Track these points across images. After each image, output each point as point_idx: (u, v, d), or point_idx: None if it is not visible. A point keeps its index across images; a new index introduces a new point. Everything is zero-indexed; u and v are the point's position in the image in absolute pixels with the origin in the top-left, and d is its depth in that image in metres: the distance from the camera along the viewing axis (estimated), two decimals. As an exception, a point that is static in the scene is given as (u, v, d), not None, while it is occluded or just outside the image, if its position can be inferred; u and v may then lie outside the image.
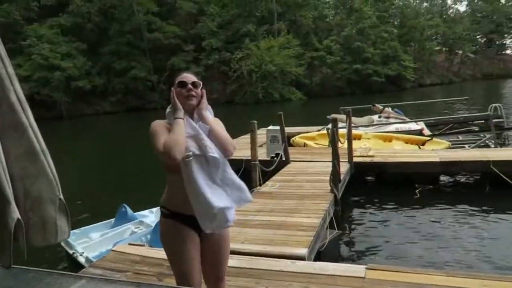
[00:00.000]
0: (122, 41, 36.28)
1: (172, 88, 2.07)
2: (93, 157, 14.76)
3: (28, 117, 1.46)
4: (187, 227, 2.02)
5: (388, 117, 11.24)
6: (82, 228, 5.16)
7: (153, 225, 4.77)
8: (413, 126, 10.54)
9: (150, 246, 4.17)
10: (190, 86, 2.04)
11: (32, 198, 1.50)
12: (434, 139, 9.45)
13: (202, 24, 39.55)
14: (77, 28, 35.43)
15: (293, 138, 10.02)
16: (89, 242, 4.77)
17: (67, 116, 32.77)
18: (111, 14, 36.58)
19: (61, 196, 1.54)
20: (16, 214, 1.33)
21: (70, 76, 31.79)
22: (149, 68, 37.36)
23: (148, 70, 37.15)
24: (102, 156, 14.83)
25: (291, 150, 8.05)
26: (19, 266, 2.13)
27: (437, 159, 7.20)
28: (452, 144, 9.20)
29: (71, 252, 4.47)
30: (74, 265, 4.35)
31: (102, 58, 36.30)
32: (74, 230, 5.01)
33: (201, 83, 2.10)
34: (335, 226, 4.96)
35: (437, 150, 8.21)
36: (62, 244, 4.55)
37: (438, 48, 55.34)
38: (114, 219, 5.45)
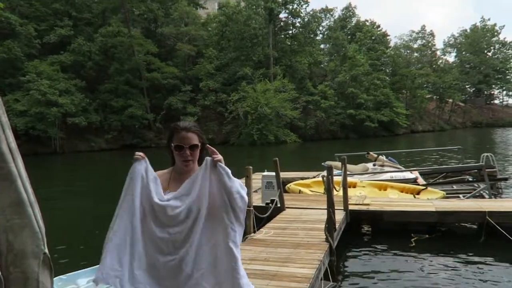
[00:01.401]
0: (121, 80, 36.88)
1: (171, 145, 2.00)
2: (84, 194, 14.49)
3: (18, 167, 1.41)
4: None
5: (382, 165, 11.26)
6: (69, 273, 4.92)
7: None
8: (408, 175, 10.54)
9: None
10: (187, 152, 1.96)
11: (15, 252, 1.41)
12: (429, 188, 9.43)
13: (200, 66, 40.53)
14: (77, 65, 36.08)
15: (288, 185, 9.95)
16: (76, 290, 4.53)
17: (61, 152, 32.58)
18: (111, 54, 37.42)
19: (46, 250, 1.46)
20: (-5, 271, 1.24)
21: (67, 112, 31.93)
22: (146, 106, 37.74)
23: (145, 109, 37.51)
24: (94, 194, 14.56)
25: (286, 196, 7.95)
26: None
27: (433, 209, 7.14)
28: (446, 194, 9.17)
29: None
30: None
31: (100, 95, 36.73)
32: (61, 276, 4.78)
33: (199, 144, 1.99)
34: (330, 278, 4.80)
35: (432, 200, 8.18)
36: None
37: (429, 96, 57.03)
38: None
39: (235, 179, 1.93)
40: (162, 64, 39.18)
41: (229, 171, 1.92)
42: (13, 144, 1.42)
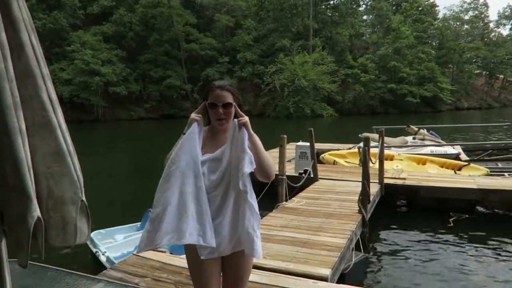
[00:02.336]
0: (160, 50, 37.41)
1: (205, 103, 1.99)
2: (125, 159, 15.10)
3: (57, 117, 1.46)
4: None
5: (423, 139, 10.85)
6: (108, 229, 5.25)
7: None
8: (450, 150, 10.13)
9: (171, 253, 4.15)
10: (221, 110, 1.94)
11: (55, 198, 1.49)
12: (472, 164, 9.02)
13: (238, 37, 40.18)
14: (119, 36, 36.88)
15: (322, 155, 9.86)
16: (113, 243, 4.84)
17: (103, 120, 33.95)
18: (151, 24, 37.85)
19: (83, 198, 1.53)
20: (36, 212, 1.31)
21: (109, 81, 33.00)
22: (184, 77, 38.24)
23: (183, 79, 38.04)
24: (135, 159, 15.14)
25: (320, 167, 7.90)
26: (38, 263, 2.14)
27: (475, 186, 6.84)
28: (490, 171, 8.74)
29: (94, 250, 4.55)
30: (96, 264, 4.41)
31: (140, 65, 37.54)
32: (100, 230, 5.11)
33: (233, 103, 1.96)
34: (361, 249, 4.77)
35: (475, 177, 7.82)
36: (87, 242, 4.64)
37: (478, 71, 53.65)
38: (140, 223, 5.51)
39: (248, 152, 1.89)
40: (201, 35, 39.26)
41: (248, 136, 1.91)
42: (54, 96, 1.47)
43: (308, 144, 7.31)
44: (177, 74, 37.70)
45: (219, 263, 2.03)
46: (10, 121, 1.26)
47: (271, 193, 5.77)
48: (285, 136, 5.70)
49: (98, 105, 33.76)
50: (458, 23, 57.26)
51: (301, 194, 6.46)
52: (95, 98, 33.04)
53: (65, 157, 1.46)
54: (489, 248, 5.53)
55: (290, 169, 7.76)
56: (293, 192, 6.40)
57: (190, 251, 1.99)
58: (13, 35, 1.34)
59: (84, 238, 1.55)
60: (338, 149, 10.97)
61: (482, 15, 58.29)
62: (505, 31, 66.13)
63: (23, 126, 1.32)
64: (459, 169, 8.93)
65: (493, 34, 59.08)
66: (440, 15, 55.22)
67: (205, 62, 39.54)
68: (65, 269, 2.01)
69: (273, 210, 5.55)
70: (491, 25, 60.50)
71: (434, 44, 50.53)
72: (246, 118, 1.93)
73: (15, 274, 1.65)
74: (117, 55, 35.47)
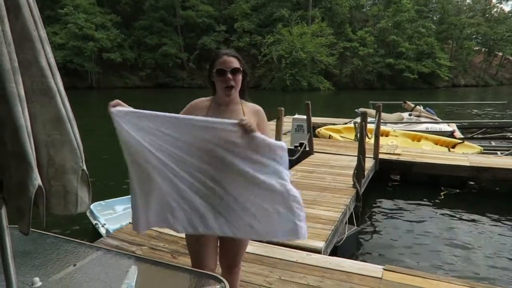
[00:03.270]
0: (156, 17, 36.50)
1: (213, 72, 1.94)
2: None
3: (57, 83, 1.42)
4: None
5: (419, 116, 10.87)
6: (108, 200, 5.27)
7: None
8: (445, 127, 10.17)
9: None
10: (229, 75, 1.89)
11: (56, 166, 1.47)
12: (466, 142, 9.09)
13: (236, 5, 39.22)
14: (113, 0, 35.80)
15: (318, 129, 9.87)
16: (112, 215, 4.88)
17: (97, 87, 33.47)
18: (147, -12, 36.79)
19: (84, 167, 1.51)
20: (37, 180, 1.30)
21: (103, 47, 32.28)
22: (180, 45, 37.53)
23: (178, 48, 37.33)
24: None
25: (315, 141, 7.92)
26: (37, 231, 2.14)
27: (467, 163, 6.93)
28: (484, 150, 8.83)
29: (94, 222, 4.59)
30: (95, 235, 4.46)
31: (134, 32, 36.69)
32: (101, 202, 5.14)
33: (241, 68, 1.92)
34: (354, 222, 4.86)
35: (468, 154, 7.91)
36: (87, 213, 4.68)
37: (477, 48, 53.16)
38: None
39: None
40: (197, 1, 38.26)
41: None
42: (52, 60, 1.42)
43: (304, 117, 7.30)
44: (173, 42, 36.96)
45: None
46: (8, 87, 1.22)
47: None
48: (283, 108, 5.67)
49: (92, 71, 33.17)
50: (460, -3, 56.23)
51: (296, 167, 6.50)
52: (89, 64, 32.42)
53: (65, 124, 1.43)
54: (478, 220, 5.70)
55: (286, 142, 7.76)
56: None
57: None
58: (9, -4, 1.28)
59: (85, 207, 1.54)
60: (334, 124, 10.98)
61: (486, -11, 57.22)
62: (507, 7, 65.21)
63: (22, 92, 1.28)
64: (453, 147, 9.01)
65: (495, 10, 58.20)
66: (443, -12, 54.04)
67: (202, 30, 38.71)
68: (64, 236, 2.01)
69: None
70: (494, 0, 59.55)
71: (435, 18, 49.74)
72: (246, 120, 1.76)
73: (15, 239, 1.66)
74: (111, 20, 34.56)
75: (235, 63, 1.91)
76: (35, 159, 1.30)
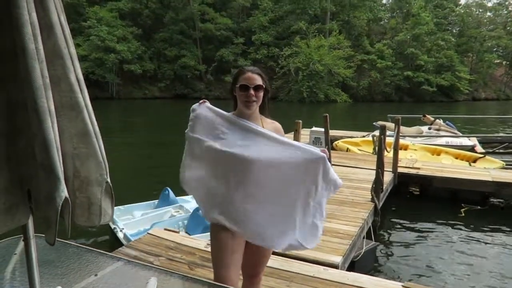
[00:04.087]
0: (175, 29, 37.20)
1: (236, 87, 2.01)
2: (141, 138, 15.26)
3: (84, 98, 1.47)
4: None
5: (438, 130, 10.70)
6: (127, 205, 5.37)
7: (192, 211, 4.83)
8: (465, 141, 9.98)
9: (186, 232, 4.23)
10: (251, 92, 1.96)
11: (81, 178, 1.51)
12: (487, 157, 8.89)
13: (254, 18, 39.67)
14: (135, 13, 36.71)
15: (336, 142, 9.81)
16: (131, 220, 4.96)
17: (118, 97, 34.18)
18: (167, 2, 37.58)
19: (108, 180, 1.55)
20: (64, 192, 1.34)
21: (124, 59, 33.02)
22: (198, 57, 38.08)
23: (197, 59, 37.88)
24: (151, 137, 15.26)
25: (333, 153, 7.88)
26: (60, 239, 2.19)
27: (489, 178, 6.76)
28: (506, 165, 8.61)
29: (112, 227, 4.67)
30: (113, 239, 4.53)
31: (155, 44, 37.44)
32: (120, 207, 5.25)
33: (263, 85, 2.01)
34: (372, 237, 4.78)
35: (490, 169, 7.72)
36: None
37: (498, 61, 52.19)
38: (157, 200, 5.63)
39: None
40: (216, 14, 38.84)
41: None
42: (80, 76, 1.48)
43: (322, 129, 7.28)
44: (192, 54, 37.54)
45: (243, 244, 2.02)
46: (39, 101, 1.27)
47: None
48: (300, 121, 5.67)
49: (113, 82, 33.93)
50: (480, 10, 55.48)
51: (314, 180, 6.46)
52: (110, 76, 33.18)
53: (91, 138, 1.48)
54: (501, 240, 5.52)
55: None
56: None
57: (217, 227, 1.99)
58: (42, 15, 1.34)
59: (108, 218, 1.58)
60: (351, 137, 10.90)
61: (506, 3, 56.31)
62: (529, 20, 63.82)
63: (52, 107, 1.33)
64: (474, 161, 8.82)
65: (516, 22, 57.18)
66: (462, 1, 53.56)
67: (220, 43, 39.23)
68: (86, 246, 2.05)
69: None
70: (516, 13, 58.51)
71: (454, 31, 49.21)
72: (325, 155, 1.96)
73: (39, 248, 1.70)
74: (132, 32, 35.38)
75: (259, 81, 1.98)
76: (62, 172, 1.34)
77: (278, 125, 2.13)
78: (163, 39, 37.50)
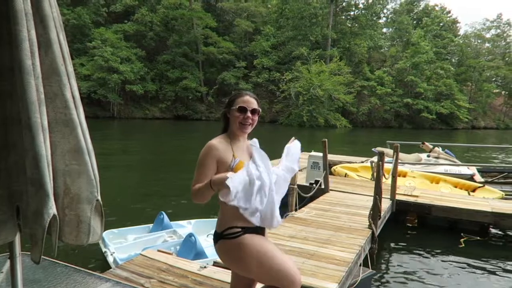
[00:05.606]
0: (178, 52, 37.81)
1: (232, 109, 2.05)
2: (140, 159, 15.21)
3: (79, 115, 1.47)
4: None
5: (437, 157, 10.69)
6: (121, 228, 5.28)
7: (184, 236, 4.75)
8: (464, 170, 9.94)
9: (177, 255, 4.15)
10: (249, 114, 2.03)
11: (71, 196, 1.49)
12: (487, 186, 8.84)
13: (256, 42, 40.38)
14: (139, 35, 37.41)
15: (334, 167, 9.79)
16: (123, 243, 4.85)
17: (118, 117, 34.37)
18: (171, 25, 38.33)
19: (99, 198, 1.53)
20: (53, 209, 1.32)
21: (126, 79, 33.42)
22: (200, 79, 38.55)
23: (199, 82, 38.33)
24: (149, 159, 15.23)
25: (331, 178, 7.84)
26: (48, 258, 2.15)
27: (489, 209, 6.70)
28: (506, 195, 8.55)
29: (103, 250, 4.57)
30: (104, 261, 4.43)
31: (157, 65, 37.98)
32: (113, 230, 5.15)
33: (260, 110, 2.09)
34: (369, 265, 4.69)
35: (489, 199, 7.66)
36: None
37: (497, 90, 52.85)
38: (152, 224, 5.53)
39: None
40: (219, 38, 39.57)
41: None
42: (76, 93, 1.48)
43: (320, 154, 7.27)
44: (194, 76, 38.01)
45: None
46: (33, 117, 1.27)
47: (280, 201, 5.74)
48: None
49: (114, 102, 34.20)
50: (479, 41, 56.61)
51: (311, 204, 6.41)
52: (112, 95, 33.48)
53: (84, 155, 1.46)
54: (501, 271, 5.40)
55: (301, 179, 7.71)
56: (303, 202, 6.36)
57: (255, 244, 2.04)
58: (42, 33, 1.35)
59: (96, 237, 1.55)
60: (350, 162, 10.88)
61: (505, 34, 57.54)
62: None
63: (45, 123, 1.33)
64: (473, 191, 8.77)
65: (514, 54, 58.15)
66: (461, 32, 54.81)
67: (222, 66, 39.81)
68: (74, 265, 2.01)
69: (282, 219, 5.50)
70: (513, 44, 59.58)
71: (453, 60, 50.06)
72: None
73: (26, 266, 1.66)
74: (136, 53, 35.95)
75: (255, 104, 2.06)
76: (52, 187, 1.33)
77: (250, 141, 2.16)
78: (166, 61, 38.05)
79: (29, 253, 1.42)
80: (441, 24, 48.88)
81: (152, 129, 28.58)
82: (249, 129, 2.06)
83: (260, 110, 2.10)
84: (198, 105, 38.79)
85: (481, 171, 10.45)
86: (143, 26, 37.43)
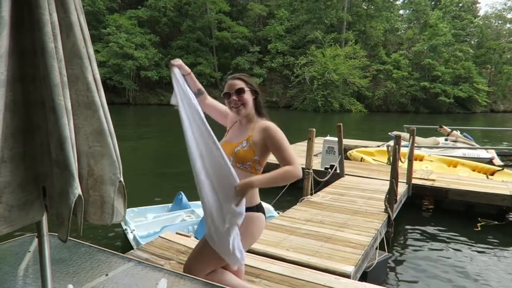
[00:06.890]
0: (192, 37, 37.70)
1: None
2: (158, 143, 15.40)
3: (101, 98, 1.49)
4: None
5: (455, 141, 10.51)
6: (141, 207, 5.42)
7: (202, 216, 4.84)
8: (483, 153, 9.77)
9: (195, 237, 4.23)
10: (234, 97, 2.03)
11: (95, 177, 1.52)
12: (506, 170, 8.68)
13: (270, 27, 39.92)
14: (153, 21, 37.38)
15: (350, 152, 9.74)
16: (143, 222, 5.01)
17: (134, 103, 34.68)
18: (185, 10, 38.15)
19: (121, 179, 1.56)
20: (78, 190, 1.35)
21: (141, 65, 33.56)
22: (214, 65, 38.46)
23: (213, 67, 38.25)
24: (167, 142, 15.39)
25: (346, 163, 7.80)
26: (73, 239, 2.21)
27: (507, 192, 6.59)
28: (525, 178, 8.39)
29: (124, 227, 4.70)
30: (126, 242, 4.56)
31: (171, 51, 37.99)
32: (134, 208, 5.31)
33: (246, 88, 2.04)
34: (385, 248, 4.70)
35: (508, 183, 7.53)
36: None
37: (518, 73, 51.25)
38: (171, 204, 5.67)
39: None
40: (233, 23, 39.26)
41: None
42: (97, 76, 1.50)
43: (335, 139, 7.23)
44: (208, 62, 37.94)
45: None
46: (57, 99, 1.29)
47: (296, 186, 5.75)
48: (314, 129, 5.64)
49: (130, 88, 34.46)
50: (500, 22, 54.71)
51: (326, 189, 6.41)
52: (127, 82, 33.73)
53: (106, 137, 1.49)
54: (519, 257, 5.34)
55: (316, 164, 7.70)
56: (318, 186, 6.37)
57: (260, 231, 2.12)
58: (63, 16, 1.36)
59: (120, 218, 1.58)
60: (366, 146, 10.80)
61: (527, 14, 55.44)
62: (551, 33, 62.61)
63: (69, 105, 1.35)
64: (492, 174, 8.62)
65: (537, 34, 56.10)
66: (481, 13, 53.07)
67: (236, 51, 39.59)
68: (97, 245, 2.07)
69: (298, 203, 5.54)
70: (536, 25, 57.42)
71: (472, 42, 48.58)
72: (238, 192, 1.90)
73: (52, 246, 1.71)
74: (150, 39, 35.99)
75: (240, 84, 2.04)
76: (77, 169, 1.36)
77: (266, 126, 2.04)
78: (180, 47, 38.01)
79: (55, 233, 1.46)
80: (460, 5, 47.38)
81: (167, 115, 28.77)
82: (243, 110, 2.04)
83: (250, 88, 2.05)
84: (212, 90, 38.70)
85: (500, 155, 10.26)
86: (157, 11, 37.35)
